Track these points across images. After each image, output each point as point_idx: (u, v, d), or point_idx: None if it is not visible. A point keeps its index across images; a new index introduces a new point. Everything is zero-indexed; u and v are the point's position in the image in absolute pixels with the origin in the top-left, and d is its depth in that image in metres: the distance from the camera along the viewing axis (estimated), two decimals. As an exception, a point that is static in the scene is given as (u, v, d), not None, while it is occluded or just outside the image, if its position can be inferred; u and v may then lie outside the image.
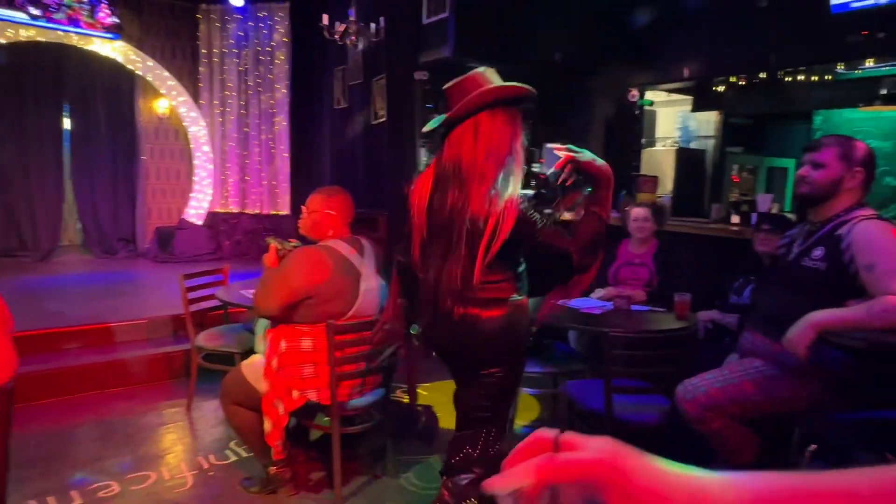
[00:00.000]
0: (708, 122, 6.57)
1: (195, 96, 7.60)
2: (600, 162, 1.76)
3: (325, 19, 5.08)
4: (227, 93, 7.55)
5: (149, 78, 7.28)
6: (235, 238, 7.58)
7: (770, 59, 4.14)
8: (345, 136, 6.37)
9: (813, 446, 1.93)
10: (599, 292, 3.25)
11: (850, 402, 1.97)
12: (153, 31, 7.49)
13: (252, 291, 2.61)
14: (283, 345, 2.33)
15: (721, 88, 5.71)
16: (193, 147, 7.64)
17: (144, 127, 7.59)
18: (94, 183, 7.41)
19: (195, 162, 7.65)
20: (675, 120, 6.82)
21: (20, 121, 6.90)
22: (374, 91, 5.70)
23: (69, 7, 6.46)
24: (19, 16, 6.23)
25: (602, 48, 4.83)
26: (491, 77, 1.81)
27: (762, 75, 5.23)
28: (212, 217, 7.65)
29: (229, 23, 7.42)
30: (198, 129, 7.57)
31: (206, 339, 3.31)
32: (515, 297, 1.81)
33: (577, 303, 3.01)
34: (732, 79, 5.44)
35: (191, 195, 7.71)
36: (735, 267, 3.29)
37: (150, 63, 7.24)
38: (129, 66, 7.15)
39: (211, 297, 3.40)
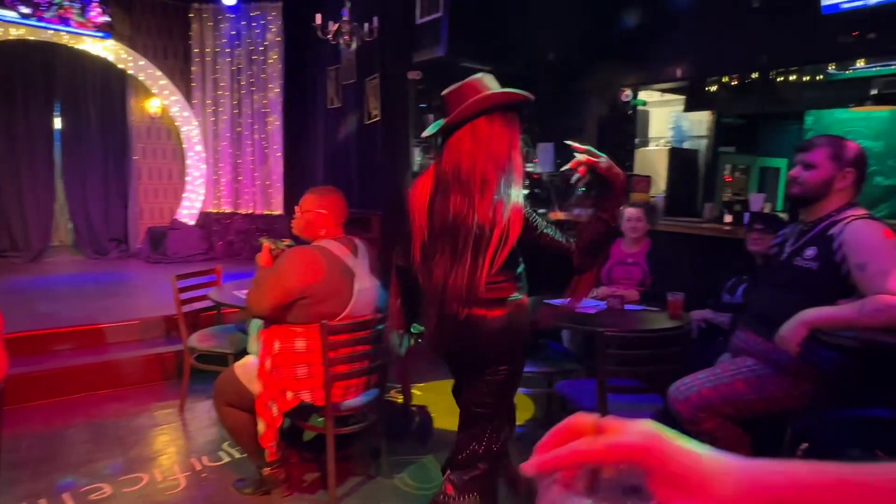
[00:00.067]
0: (700, 122, 6.60)
1: (187, 96, 7.57)
2: (617, 169, 1.79)
3: (319, 19, 5.07)
4: (219, 92, 7.51)
5: (140, 77, 7.24)
6: (228, 238, 7.55)
7: (762, 60, 4.16)
8: (338, 136, 6.35)
9: (805, 445, 1.94)
10: (593, 292, 3.25)
11: (841, 400, 1.98)
12: (145, 30, 7.45)
13: (245, 292, 2.60)
14: (277, 345, 2.32)
15: (713, 88, 5.73)
16: (186, 147, 7.60)
17: (136, 126, 7.55)
18: (85, 183, 7.36)
19: (187, 162, 7.61)
20: (667, 120, 6.84)
21: (10, 120, 6.85)
22: (367, 91, 5.69)
23: (59, 6, 6.42)
24: (9, 14, 6.19)
25: (595, 48, 4.84)
26: (489, 83, 1.83)
27: (754, 75, 5.26)
28: (204, 217, 7.62)
29: (222, 22, 7.39)
30: (190, 128, 7.54)
31: (198, 340, 3.30)
32: (516, 296, 1.85)
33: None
34: (725, 79, 5.46)
35: (183, 195, 7.67)
36: (728, 266, 3.30)
37: (142, 62, 7.20)
38: (121, 66, 7.10)
39: (204, 297, 3.39)
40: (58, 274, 6.43)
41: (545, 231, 1.85)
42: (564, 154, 5.28)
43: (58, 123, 7.24)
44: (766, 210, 4.29)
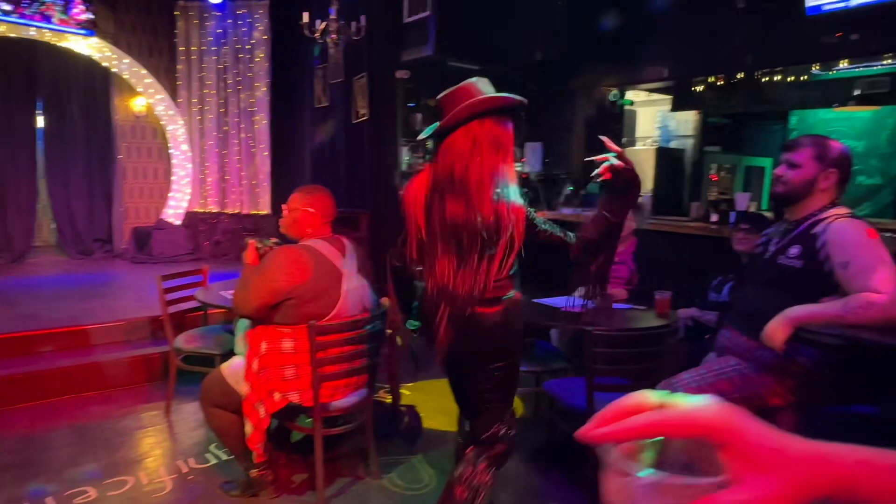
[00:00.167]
0: (687, 122, 6.65)
1: (173, 94, 7.49)
2: (637, 175, 1.83)
3: (306, 17, 5.04)
4: (205, 91, 7.44)
5: (125, 75, 7.15)
6: (215, 238, 7.49)
7: (747, 60, 4.20)
8: (326, 135, 6.32)
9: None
10: (580, 291, 3.26)
11: (825, 397, 2.00)
12: (129, 28, 7.36)
13: (232, 292, 2.57)
14: (264, 346, 2.30)
15: (699, 88, 5.78)
16: (171, 146, 7.52)
17: (121, 125, 7.46)
18: (68, 182, 7.26)
19: (173, 161, 7.53)
20: (654, 119, 6.89)
21: (-9, 119, 6.74)
22: (355, 90, 5.67)
23: (41, 3, 6.32)
24: (-10, 11, 6.08)
25: (582, 48, 4.85)
26: (483, 87, 1.87)
27: (740, 76, 5.31)
28: (190, 217, 7.55)
29: (207, 20, 7.32)
30: (176, 127, 7.46)
31: (185, 341, 3.27)
32: (512, 293, 1.92)
33: (558, 301, 3.02)
34: (711, 79, 5.51)
35: (169, 195, 7.59)
36: (714, 265, 3.33)
37: (127, 60, 7.11)
38: (105, 63, 7.01)
39: (190, 298, 3.36)
40: (41, 275, 6.34)
41: (544, 227, 1.92)
42: (553, 153, 5.31)
43: (40, 122, 7.14)
44: (752, 209, 4.33)
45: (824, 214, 1.99)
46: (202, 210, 7.60)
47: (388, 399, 3.36)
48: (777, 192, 2.09)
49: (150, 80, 7.26)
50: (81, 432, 3.19)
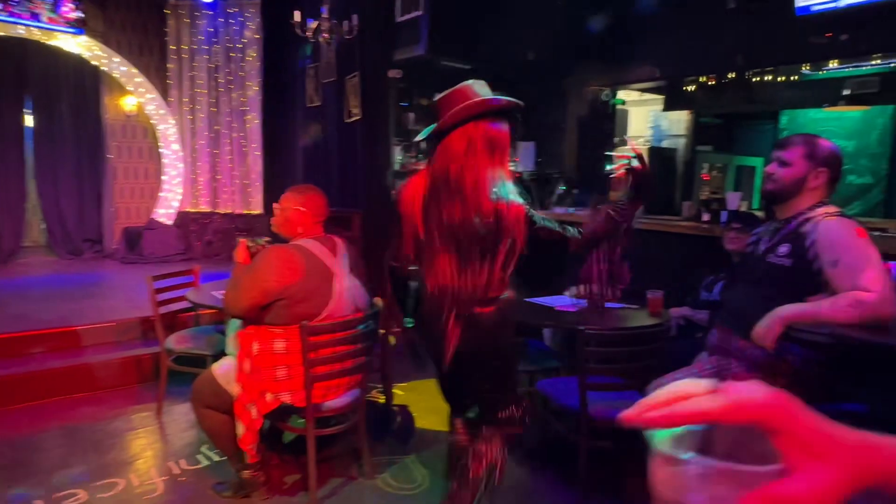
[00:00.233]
0: (679, 122, 6.68)
1: (164, 93, 7.44)
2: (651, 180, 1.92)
3: (297, 16, 5.02)
4: (197, 90, 7.40)
5: (115, 74, 7.10)
6: (206, 238, 7.45)
7: (738, 60, 4.21)
8: (318, 135, 6.30)
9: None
10: (572, 290, 3.27)
11: (814, 395, 2.01)
12: (119, 27, 7.31)
13: (223, 292, 2.56)
14: (256, 347, 2.29)
15: (691, 88, 5.80)
16: (162, 145, 7.48)
17: (111, 125, 7.40)
18: (58, 182, 7.20)
19: (164, 160, 7.49)
20: (646, 119, 6.92)
21: (-21, 118, 6.67)
22: (347, 89, 5.65)
23: (30, 1, 6.26)
24: (-23, 9, 6.02)
25: (574, 48, 4.86)
26: (479, 89, 1.90)
27: (731, 76, 5.33)
28: (182, 217, 7.50)
29: (199, 18, 7.28)
30: (167, 126, 7.41)
31: (176, 342, 3.25)
32: (507, 293, 1.97)
33: (551, 301, 3.03)
34: (702, 79, 5.54)
35: (160, 194, 7.55)
36: (705, 264, 3.34)
37: (117, 59, 7.06)
38: (95, 62, 6.96)
39: (181, 298, 3.34)
40: (30, 275, 6.28)
41: (543, 224, 1.96)
42: (545, 153, 5.32)
43: (29, 121, 7.07)
44: (743, 208, 4.35)
45: (813, 213, 2.00)
46: (193, 210, 7.56)
47: (381, 399, 3.35)
48: (767, 189, 2.10)
49: (140, 78, 7.21)
50: (71, 434, 3.17)
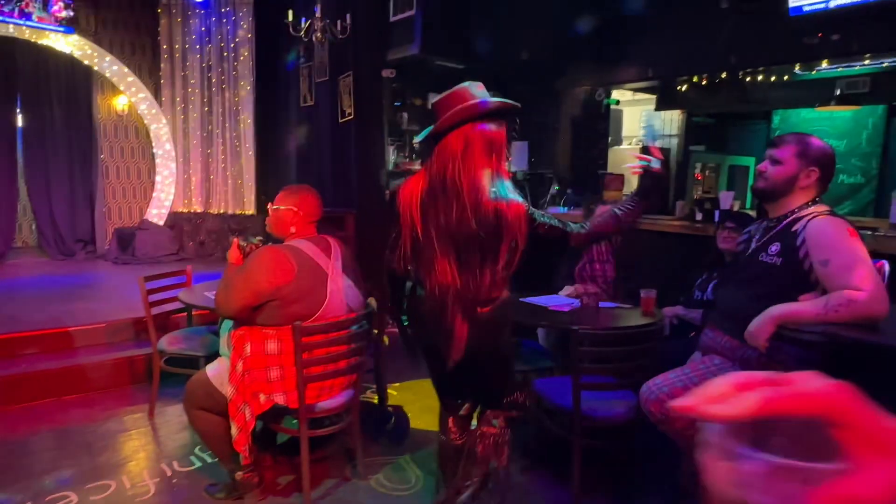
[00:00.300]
0: (672, 121, 6.70)
1: (156, 93, 7.41)
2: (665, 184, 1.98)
3: (290, 15, 5.00)
4: (189, 90, 7.37)
5: (107, 74, 7.06)
6: (199, 238, 7.41)
7: (731, 60, 4.23)
8: (312, 135, 6.28)
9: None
10: (567, 290, 3.28)
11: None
12: (111, 26, 7.27)
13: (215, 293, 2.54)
14: (248, 348, 2.28)
15: (684, 88, 5.83)
16: (155, 145, 7.44)
17: (103, 124, 7.37)
18: (49, 182, 7.15)
19: (157, 161, 7.45)
20: (639, 119, 6.94)
21: (-31, 118, 6.62)
22: (340, 89, 5.64)
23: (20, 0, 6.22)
24: (-33, 8, 5.98)
25: (568, 48, 4.87)
26: (476, 91, 1.92)
27: (724, 75, 5.35)
28: (174, 217, 7.47)
29: (191, 18, 7.25)
30: (159, 126, 7.38)
31: (168, 343, 3.23)
32: (504, 292, 2.00)
33: (545, 301, 3.03)
34: (695, 79, 5.56)
35: (152, 195, 7.51)
36: (699, 263, 3.35)
37: (108, 58, 7.02)
38: (86, 62, 6.92)
39: (174, 299, 3.32)
40: (21, 276, 6.23)
41: (543, 220, 1.98)
42: (539, 153, 5.32)
43: (20, 121, 7.02)
44: (735, 208, 4.36)
45: (804, 212, 2.01)
46: (186, 210, 7.52)
47: (375, 399, 3.35)
48: (758, 187, 2.11)
49: (132, 78, 7.18)
50: (63, 436, 3.14)
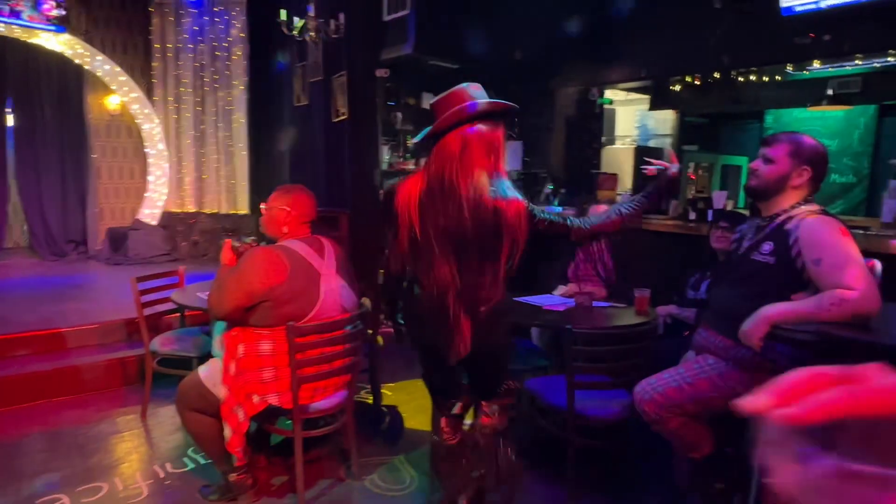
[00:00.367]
0: (665, 121, 6.73)
1: (148, 92, 7.36)
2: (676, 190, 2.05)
3: (284, 15, 4.98)
4: (182, 89, 7.33)
5: (98, 73, 7.01)
6: (193, 238, 7.38)
7: (724, 60, 4.25)
8: (305, 134, 6.26)
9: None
10: (561, 289, 3.28)
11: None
12: (103, 25, 7.22)
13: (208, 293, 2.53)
14: (241, 349, 2.27)
15: (677, 88, 5.85)
16: (147, 145, 7.40)
17: (94, 124, 7.31)
18: (40, 182, 7.10)
19: (149, 160, 7.41)
20: (633, 118, 6.96)
21: (-41, 117, 6.57)
22: (334, 88, 5.62)
23: (10, -2, 6.17)
24: (-44, 7, 5.92)
25: (561, 47, 4.87)
26: (474, 92, 1.93)
27: (716, 75, 5.38)
28: (167, 217, 7.43)
29: (184, 17, 7.21)
30: (152, 126, 7.33)
31: (161, 344, 3.21)
32: (503, 290, 2.01)
33: (539, 300, 3.03)
34: (688, 78, 5.58)
35: (145, 195, 7.47)
36: (692, 262, 3.37)
37: (100, 58, 6.97)
38: (77, 61, 6.87)
39: (166, 300, 3.30)
40: (12, 277, 6.18)
41: (543, 216, 1.98)
42: (533, 152, 5.32)
43: (10, 120, 6.97)
44: (728, 207, 4.38)
45: (796, 211, 2.01)
46: (179, 210, 7.48)
47: (370, 399, 3.34)
48: (751, 185, 2.11)
49: (124, 77, 7.13)
50: (54, 438, 3.12)
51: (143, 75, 7.38)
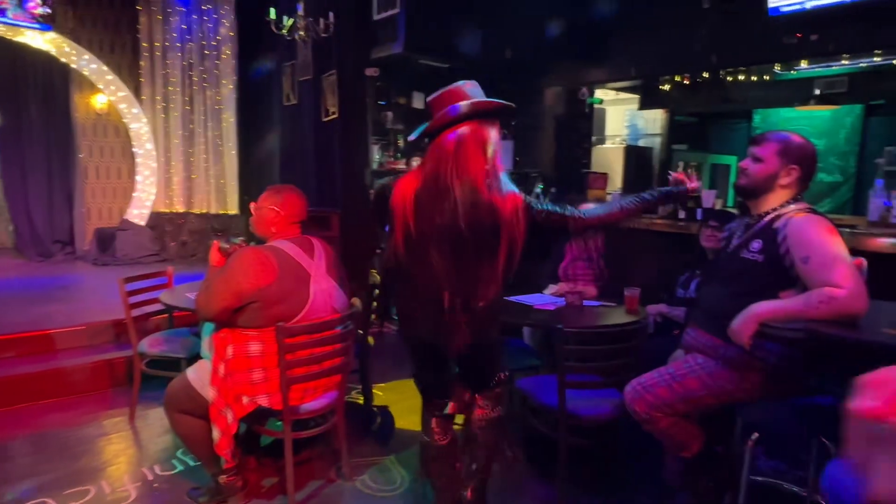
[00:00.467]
0: (654, 121, 6.76)
1: (136, 92, 7.30)
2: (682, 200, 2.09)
3: (272, 13, 4.95)
4: (170, 88, 7.27)
5: (85, 72, 6.94)
6: (181, 239, 7.33)
7: (712, 60, 4.27)
8: (295, 134, 6.23)
9: (755, 434, 1.99)
10: (552, 288, 3.29)
11: (787, 390, 2.04)
12: (90, 23, 7.15)
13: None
14: (230, 350, 2.25)
15: (666, 87, 5.88)
16: (135, 145, 7.33)
17: (81, 123, 7.24)
18: (26, 182, 7.01)
19: (137, 160, 7.34)
20: (623, 118, 6.99)
21: (-57, 116, 6.48)
22: (324, 87, 5.60)
23: (-6, -5, 6.09)
24: (-61, 4, 5.84)
25: (552, 47, 4.88)
26: (470, 90, 1.92)
27: (705, 75, 5.41)
28: (156, 217, 7.37)
29: (171, 15, 7.15)
30: (139, 125, 7.27)
31: (149, 345, 3.18)
32: (500, 287, 2.00)
33: (530, 299, 3.03)
34: (677, 78, 5.61)
35: (133, 194, 7.40)
36: (681, 261, 3.38)
37: (87, 56, 6.90)
38: (64, 59, 6.79)
39: (154, 300, 3.27)
40: (-2, 278, 6.11)
41: (539, 208, 1.98)
42: (523, 152, 5.32)
43: (-5, 120, 6.89)
44: (718, 206, 4.41)
45: (785, 210, 2.03)
46: (168, 210, 7.43)
47: (361, 400, 3.33)
48: (740, 184, 2.13)
49: (111, 76, 7.07)
50: (41, 441, 3.08)
51: (130, 74, 7.32)
